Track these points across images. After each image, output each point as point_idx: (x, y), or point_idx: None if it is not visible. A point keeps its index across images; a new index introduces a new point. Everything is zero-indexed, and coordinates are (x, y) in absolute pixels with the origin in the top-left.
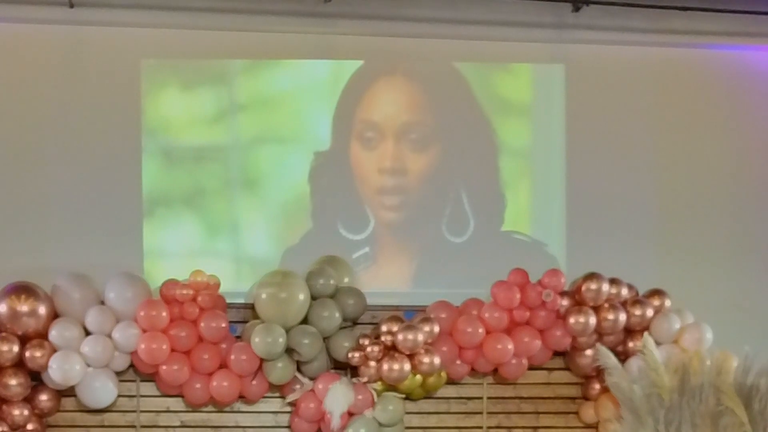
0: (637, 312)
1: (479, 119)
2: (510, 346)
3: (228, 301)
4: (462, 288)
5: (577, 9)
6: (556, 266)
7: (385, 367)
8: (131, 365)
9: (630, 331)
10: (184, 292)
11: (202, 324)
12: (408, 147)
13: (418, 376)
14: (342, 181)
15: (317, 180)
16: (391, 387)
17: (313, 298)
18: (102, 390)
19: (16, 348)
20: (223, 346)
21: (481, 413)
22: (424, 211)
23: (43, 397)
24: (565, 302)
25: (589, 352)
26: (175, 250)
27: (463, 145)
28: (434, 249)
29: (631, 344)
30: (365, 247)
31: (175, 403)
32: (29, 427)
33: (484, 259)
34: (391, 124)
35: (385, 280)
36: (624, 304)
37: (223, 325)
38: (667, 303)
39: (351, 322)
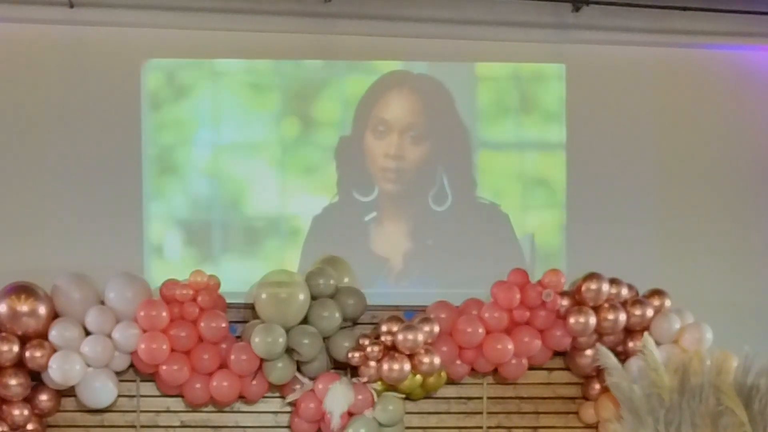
0: (637, 312)
1: (459, 124)
2: (510, 346)
3: (228, 301)
4: (462, 288)
5: (577, 9)
6: (556, 266)
7: (385, 367)
8: (131, 365)
9: (630, 331)
10: (184, 292)
11: (202, 324)
12: (408, 141)
13: (418, 376)
14: (357, 159)
15: (340, 157)
16: (391, 387)
17: (313, 298)
18: (102, 390)
19: (16, 348)
20: (223, 346)
21: (481, 413)
22: (414, 188)
23: (43, 397)
24: (565, 302)
25: (589, 352)
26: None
27: (446, 144)
28: (423, 215)
29: (631, 344)
30: (373, 211)
31: (175, 403)
32: (29, 427)
33: (483, 259)
34: (397, 122)
35: (389, 238)
36: (624, 304)
37: (223, 325)
38: (667, 303)
39: (351, 322)
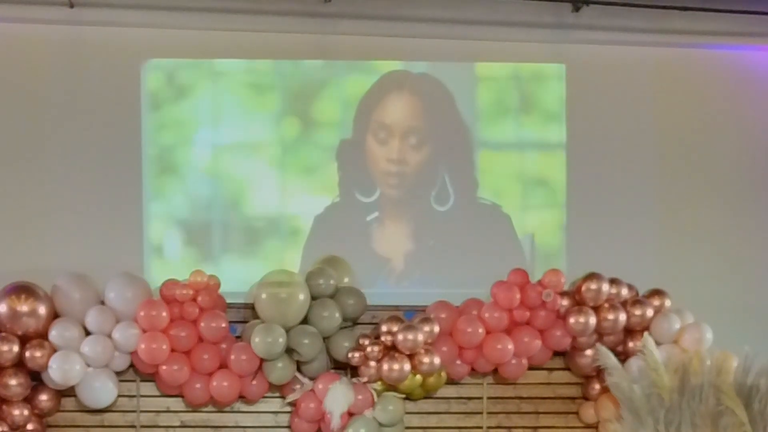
0: (637, 312)
1: (460, 124)
2: (510, 346)
3: (228, 301)
4: (462, 288)
5: (577, 9)
6: (556, 266)
7: (385, 367)
8: (131, 365)
9: (630, 331)
10: (184, 292)
11: (202, 324)
12: (409, 146)
13: (418, 376)
14: (358, 161)
15: (341, 159)
16: (391, 387)
17: (313, 298)
18: (102, 390)
19: (16, 348)
20: (223, 346)
21: (481, 413)
22: (417, 189)
23: (43, 397)
24: (565, 302)
25: (589, 352)
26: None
27: (447, 145)
28: (425, 215)
29: (631, 344)
30: (375, 211)
31: (175, 403)
32: (29, 427)
33: (484, 260)
34: (397, 127)
35: (390, 238)
36: (624, 304)
37: (223, 325)
38: (667, 303)
39: (351, 322)
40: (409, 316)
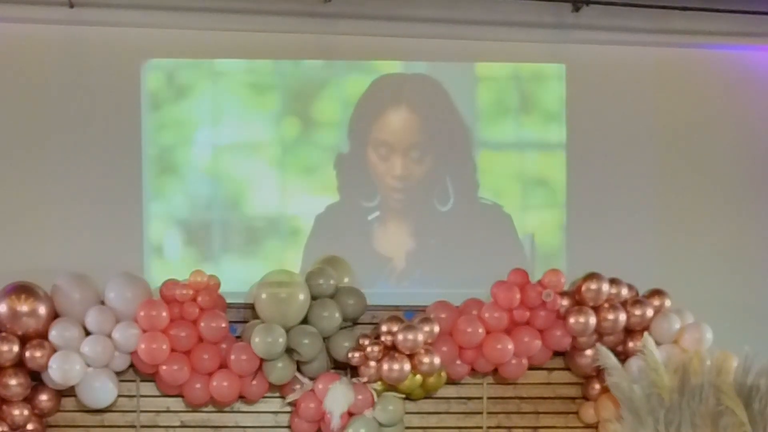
0: (637, 312)
1: (461, 127)
2: (510, 346)
3: (228, 301)
4: (462, 288)
5: (577, 9)
6: (556, 266)
7: (385, 367)
8: (131, 365)
9: (630, 331)
10: (184, 292)
11: (202, 324)
12: (411, 161)
13: (418, 376)
14: (358, 169)
15: (339, 168)
16: (391, 387)
17: (313, 298)
18: (102, 390)
19: (16, 348)
20: (223, 346)
21: (481, 413)
22: (420, 193)
23: (43, 397)
24: (565, 302)
25: (589, 352)
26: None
27: (448, 150)
28: (427, 215)
29: (631, 344)
30: (376, 211)
31: (175, 403)
32: (29, 427)
33: (484, 260)
34: (399, 144)
35: (391, 237)
36: (624, 304)
37: (223, 325)
38: (667, 303)
39: (351, 322)
40: (409, 316)
